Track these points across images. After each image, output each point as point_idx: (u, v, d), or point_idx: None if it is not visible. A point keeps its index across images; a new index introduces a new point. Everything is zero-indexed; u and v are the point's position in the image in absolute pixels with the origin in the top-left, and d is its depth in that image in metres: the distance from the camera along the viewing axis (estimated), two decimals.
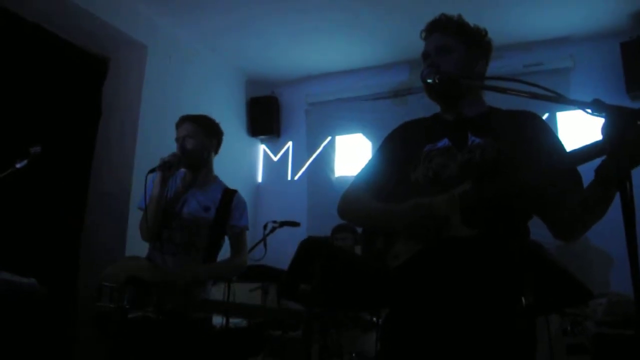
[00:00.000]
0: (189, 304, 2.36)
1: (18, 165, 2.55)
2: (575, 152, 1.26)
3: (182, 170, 2.61)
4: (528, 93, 1.28)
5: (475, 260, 1.39)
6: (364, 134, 5.26)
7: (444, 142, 1.57)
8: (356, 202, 1.68)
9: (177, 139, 2.59)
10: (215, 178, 2.69)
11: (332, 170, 5.38)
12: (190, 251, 2.49)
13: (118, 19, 4.08)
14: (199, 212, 2.52)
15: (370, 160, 1.75)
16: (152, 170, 2.44)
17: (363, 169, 1.74)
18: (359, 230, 3.68)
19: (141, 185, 2.43)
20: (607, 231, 1.81)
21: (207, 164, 2.64)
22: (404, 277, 1.47)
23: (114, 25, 4.05)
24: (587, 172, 1.42)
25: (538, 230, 1.55)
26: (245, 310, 2.53)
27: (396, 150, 1.68)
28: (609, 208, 1.29)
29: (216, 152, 2.71)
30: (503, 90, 1.35)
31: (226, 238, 2.63)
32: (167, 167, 2.43)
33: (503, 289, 1.39)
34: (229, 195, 2.62)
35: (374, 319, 3.16)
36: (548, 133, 1.53)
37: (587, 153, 1.22)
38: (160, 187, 2.43)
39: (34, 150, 2.55)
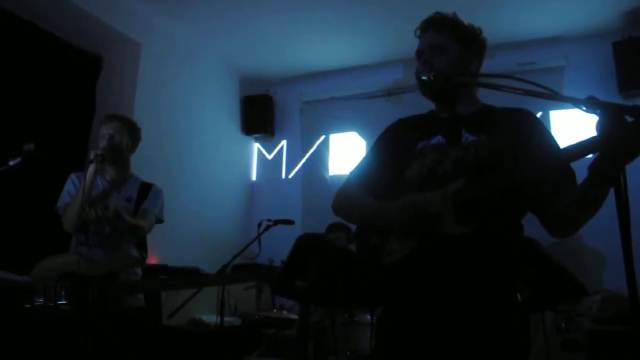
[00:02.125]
0: (127, 287, 2.48)
1: (11, 163, 2.53)
2: (569, 149, 1.26)
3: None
4: (523, 90, 1.28)
5: (470, 258, 1.39)
6: (358, 132, 5.26)
7: (438, 139, 1.57)
8: (350, 199, 1.68)
9: (103, 135, 2.70)
10: (133, 174, 2.82)
11: (327, 169, 5.39)
12: (120, 243, 2.58)
13: (112, 16, 4.06)
14: (123, 204, 2.65)
15: (364, 158, 1.75)
16: (91, 161, 2.58)
17: (357, 166, 1.74)
18: (353, 229, 3.71)
19: None
20: (599, 229, 1.82)
21: (127, 162, 2.81)
22: (399, 274, 1.47)
23: (107, 22, 4.04)
24: (580, 170, 1.43)
25: (531, 228, 1.55)
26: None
27: (390, 147, 1.68)
28: (602, 205, 1.29)
29: (132, 153, 2.84)
30: (498, 88, 1.35)
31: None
32: (101, 159, 2.58)
33: (498, 285, 1.40)
34: (146, 187, 2.77)
35: (368, 316, 3.18)
36: (542, 131, 1.53)
37: (581, 149, 1.22)
38: (94, 176, 2.57)
39: (27, 147, 2.54)
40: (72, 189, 2.65)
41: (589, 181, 1.26)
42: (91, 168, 2.56)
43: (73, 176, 2.70)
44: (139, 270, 2.68)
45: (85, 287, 2.32)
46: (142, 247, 2.70)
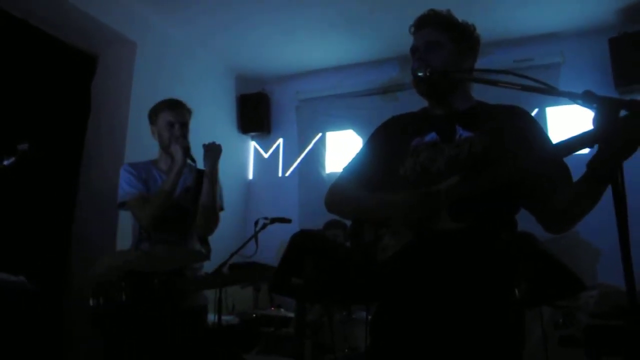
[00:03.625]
0: (191, 285, 2.35)
1: (6, 163, 2.51)
2: (564, 142, 1.25)
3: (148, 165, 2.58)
4: (520, 85, 1.28)
5: (464, 253, 1.39)
6: (355, 130, 5.26)
7: (432, 136, 1.57)
8: (343, 194, 1.68)
9: (170, 123, 2.55)
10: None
11: (323, 167, 5.38)
12: (185, 239, 2.47)
13: (107, 15, 4.04)
14: (185, 195, 2.50)
15: (357, 154, 1.75)
16: (189, 157, 2.46)
17: (350, 162, 1.74)
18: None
19: None
20: (594, 225, 1.82)
21: None
22: (393, 269, 1.47)
23: (103, 21, 4.01)
24: (575, 167, 1.43)
25: (525, 224, 1.55)
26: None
27: (384, 143, 1.68)
28: (599, 201, 1.29)
29: None
30: (495, 83, 1.35)
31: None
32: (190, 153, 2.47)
33: (493, 281, 1.39)
34: (202, 175, 2.56)
35: (364, 313, 3.18)
36: (536, 128, 1.53)
37: (577, 143, 1.22)
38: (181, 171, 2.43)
39: (22, 147, 2.52)
40: (133, 181, 2.46)
41: (587, 177, 1.26)
42: (180, 162, 2.41)
43: (127, 166, 2.51)
44: (202, 266, 2.52)
45: (150, 285, 2.22)
46: (205, 241, 2.53)
